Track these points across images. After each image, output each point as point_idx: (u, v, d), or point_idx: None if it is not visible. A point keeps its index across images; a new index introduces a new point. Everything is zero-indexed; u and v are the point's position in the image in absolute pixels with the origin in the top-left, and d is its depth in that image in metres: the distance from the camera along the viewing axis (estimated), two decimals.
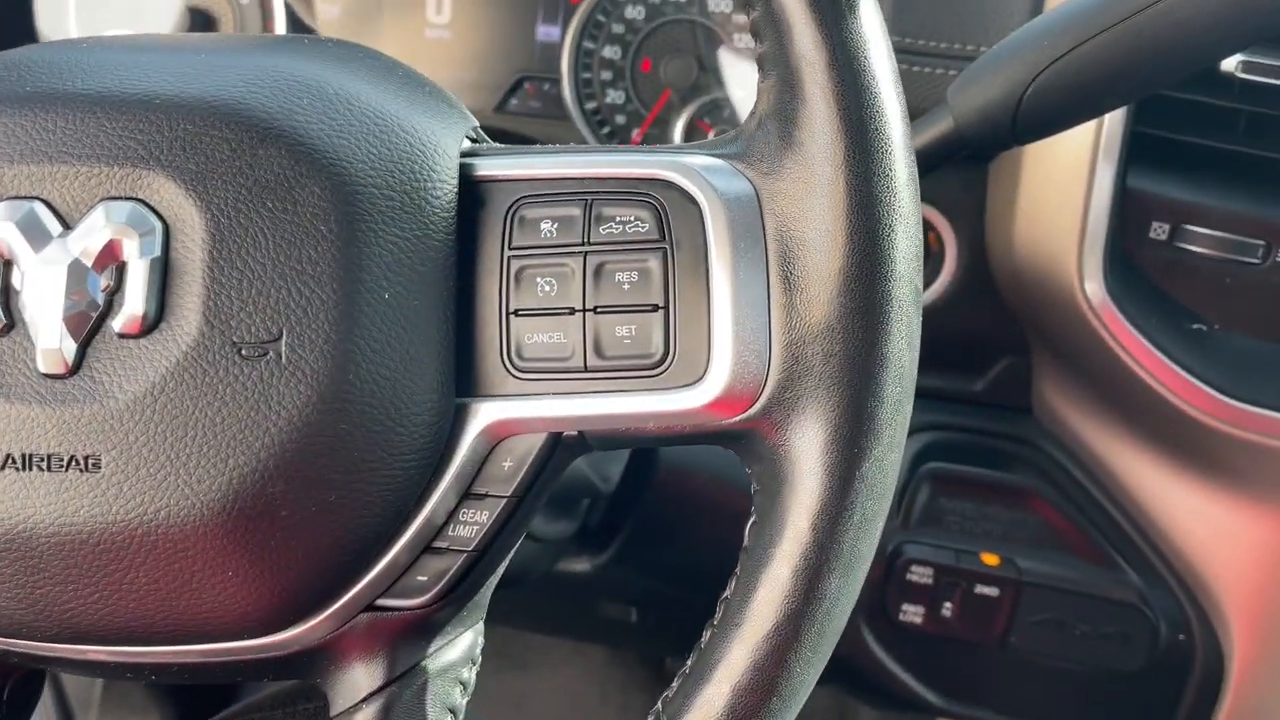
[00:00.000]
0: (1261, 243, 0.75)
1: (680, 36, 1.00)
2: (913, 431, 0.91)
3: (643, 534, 0.93)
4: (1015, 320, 0.90)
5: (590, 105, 1.02)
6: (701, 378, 0.45)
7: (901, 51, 0.85)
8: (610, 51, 1.01)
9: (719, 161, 0.47)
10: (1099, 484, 0.86)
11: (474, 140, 0.52)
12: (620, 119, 1.02)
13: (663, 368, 0.46)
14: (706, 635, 0.46)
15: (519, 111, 1.02)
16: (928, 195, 0.91)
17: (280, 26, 1.01)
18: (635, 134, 1.02)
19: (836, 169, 0.44)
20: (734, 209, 0.45)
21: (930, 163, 0.66)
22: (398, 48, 1.02)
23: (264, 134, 0.45)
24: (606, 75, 1.02)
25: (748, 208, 0.46)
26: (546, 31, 1.02)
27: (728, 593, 0.46)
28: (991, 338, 0.91)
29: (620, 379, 0.46)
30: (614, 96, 1.02)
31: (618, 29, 1.01)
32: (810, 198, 0.44)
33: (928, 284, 0.92)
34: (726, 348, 0.45)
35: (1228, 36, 0.56)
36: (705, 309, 0.45)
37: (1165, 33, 0.57)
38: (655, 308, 0.46)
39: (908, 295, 0.45)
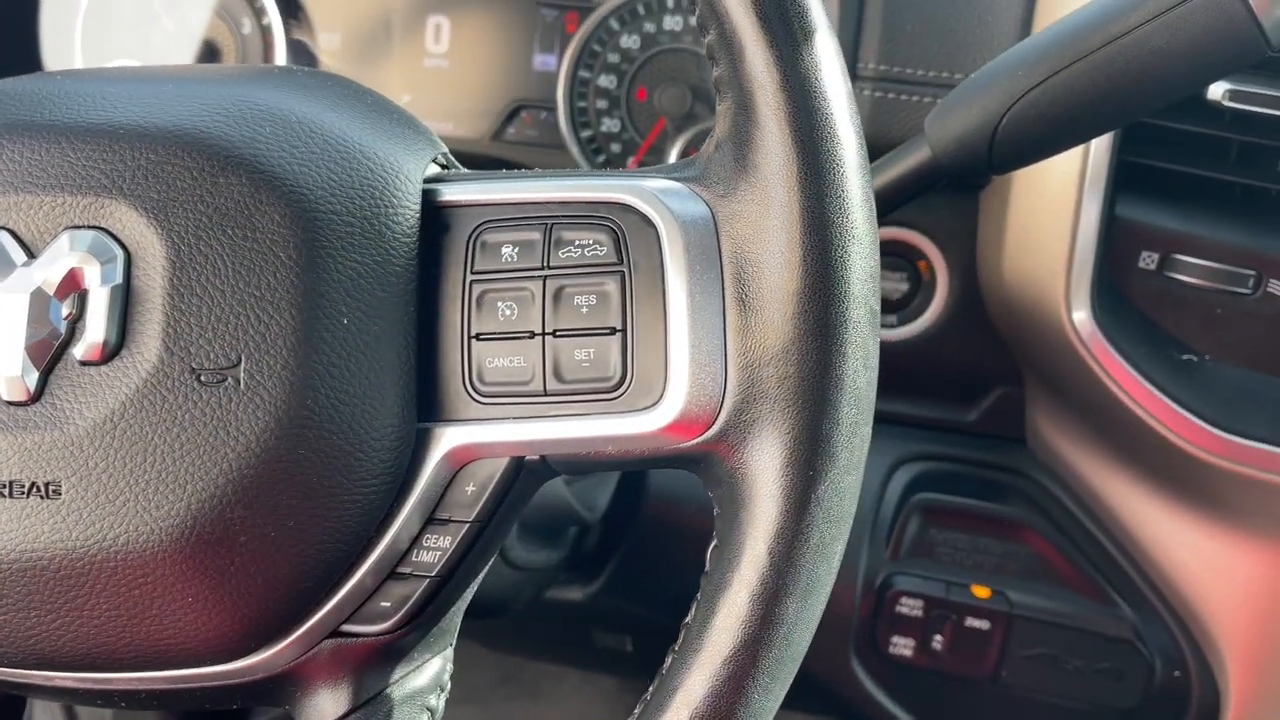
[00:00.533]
0: (1253, 273, 0.74)
1: (675, 65, 1.00)
2: (904, 461, 0.90)
3: (633, 563, 0.92)
4: (1009, 350, 0.89)
5: (586, 134, 1.02)
6: (658, 401, 0.45)
7: (890, 80, 0.85)
8: (606, 80, 1.02)
9: (676, 184, 0.47)
10: (1093, 516, 0.84)
11: (444, 166, 0.52)
12: (616, 147, 1.02)
13: (620, 391, 0.46)
14: (668, 661, 0.46)
15: (516, 140, 1.03)
16: (920, 224, 0.91)
17: (280, 55, 1.02)
18: (630, 162, 1.02)
19: (789, 191, 0.44)
20: (690, 231, 0.45)
21: (908, 193, 0.65)
22: (397, 76, 1.03)
23: (225, 162, 0.45)
24: (602, 104, 1.02)
25: (704, 230, 0.45)
26: (543, 61, 1.02)
27: (689, 618, 0.46)
28: (985, 367, 0.91)
29: (579, 403, 0.46)
30: (609, 125, 1.02)
31: (613, 58, 1.01)
32: (764, 219, 0.44)
33: (919, 314, 0.91)
34: (683, 371, 0.45)
35: (1202, 66, 0.56)
36: (661, 332, 0.45)
37: (1139, 62, 0.56)
38: (613, 331, 0.46)
39: (863, 317, 0.44)
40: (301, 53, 1.04)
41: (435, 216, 0.48)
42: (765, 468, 0.44)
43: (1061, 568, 0.84)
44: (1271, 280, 0.73)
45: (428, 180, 0.49)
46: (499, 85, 1.03)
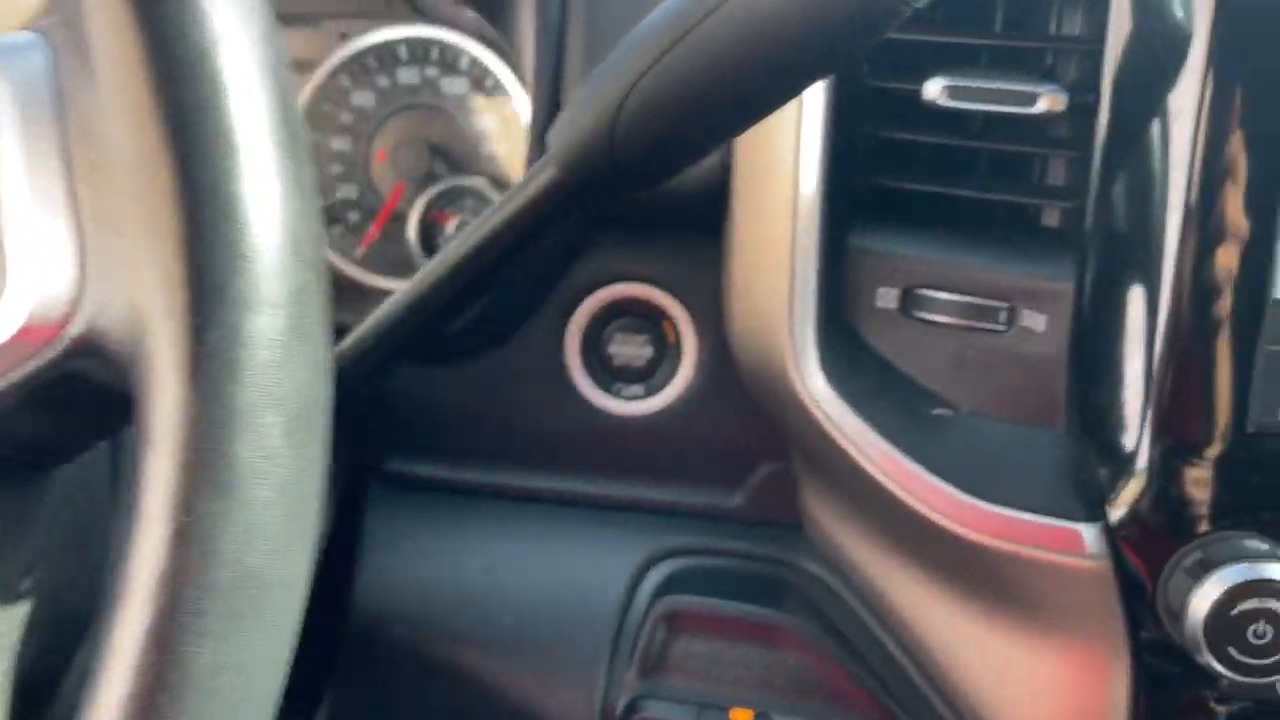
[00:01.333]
0: (1004, 305, 0.61)
1: (413, 123, 0.90)
2: (658, 560, 0.76)
3: (348, 704, 0.77)
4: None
5: (322, 203, 0.90)
6: None
7: None
8: (340, 143, 0.91)
9: (16, 36, 0.38)
10: (874, 614, 0.70)
11: None
12: (354, 216, 0.91)
13: None
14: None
15: None
16: (659, 279, 0.78)
17: None
18: (371, 231, 0.91)
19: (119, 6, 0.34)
20: (24, 85, 0.37)
21: (538, 222, 0.53)
22: None
23: None
24: (337, 169, 0.91)
25: (41, 80, 0.37)
26: None
27: None
28: (747, 441, 0.77)
29: None
30: (346, 192, 0.91)
31: (346, 119, 0.90)
32: (103, 45, 0.34)
33: (666, 383, 0.78)
34: (20, 249, 0.35)
35: (831, 29, 0.44)
36: None
37: (757, 27, 0.44)
38: None
39: (223, 102, 0.34)
40: None
41: None
42: (147, 338, 0.33)
43: (838, 681, 0.69)
44: (1024, 311, 0.60)
45: None
46: None
